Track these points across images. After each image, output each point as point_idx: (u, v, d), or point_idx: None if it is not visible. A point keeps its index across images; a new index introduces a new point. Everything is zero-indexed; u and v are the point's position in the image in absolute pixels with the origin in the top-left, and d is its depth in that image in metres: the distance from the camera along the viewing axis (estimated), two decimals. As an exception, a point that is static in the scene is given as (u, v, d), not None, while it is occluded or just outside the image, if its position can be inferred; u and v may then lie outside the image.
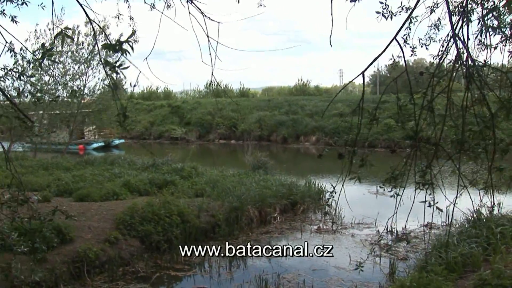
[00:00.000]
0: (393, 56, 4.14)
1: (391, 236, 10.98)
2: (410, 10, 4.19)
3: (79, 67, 26.32)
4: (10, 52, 4.85)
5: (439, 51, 4.55)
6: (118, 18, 5.79)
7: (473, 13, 3.87)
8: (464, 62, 3.56)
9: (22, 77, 4.53)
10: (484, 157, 4.03)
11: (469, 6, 3.94)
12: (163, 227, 10.85)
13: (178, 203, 11.82)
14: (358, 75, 3.75)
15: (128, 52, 3.17)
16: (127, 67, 3.24)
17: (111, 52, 3.18)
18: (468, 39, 3.70)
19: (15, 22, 5.42)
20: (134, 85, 3.32)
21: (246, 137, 39.23)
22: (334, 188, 4.22)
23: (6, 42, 4.00)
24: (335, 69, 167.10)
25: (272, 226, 13.13)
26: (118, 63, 3.19)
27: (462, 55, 3.56)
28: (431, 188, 3.98)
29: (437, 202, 4.04)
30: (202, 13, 3.87)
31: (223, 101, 43.80)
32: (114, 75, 3.21)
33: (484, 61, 4.31)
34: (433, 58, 4.59)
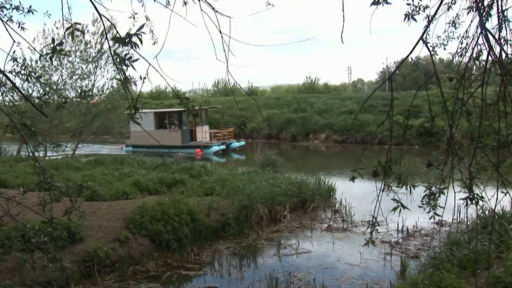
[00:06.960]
0: (412, 59, 4.05)
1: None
2: (432, 8, 4.09)
3: (87, 66, 26.37)
4: (14, 61, 4.86)
5: (458, 48, 4.43)
6: (134, 18, 5.77)
7: (492, 8, 3.76)
8: (498, 58, 3.44)
9: (30, 78, 4.51)
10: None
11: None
12: (173, 226, 10.85)
13: (187, 202, 11.82)
14: (384, 81, 3.71)
15: (137, 46, 3.15)
16: (136, 59, 3.24)
17: (121, 46, 3.20)
18: (500, 31, 3.59)
19: (23, 29, 5.50)
20: (144, 78, 3.31)
21: (255, 135, 38.97)
22: (375, 218, 3.99)
23: (14, 41, 3.99)
24: (343, 66, 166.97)
25: (282, 225, 13.09)
26: (127, 57, 3.19)
27: (493, 50, 3.44)
28: (476, 200, 3.80)
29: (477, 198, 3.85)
30: (213, 9, 3.84)
31: (231, 99, 43.31)
32: (124, 68, 3.21)
33: None
34: (452, 55, 4.48)
